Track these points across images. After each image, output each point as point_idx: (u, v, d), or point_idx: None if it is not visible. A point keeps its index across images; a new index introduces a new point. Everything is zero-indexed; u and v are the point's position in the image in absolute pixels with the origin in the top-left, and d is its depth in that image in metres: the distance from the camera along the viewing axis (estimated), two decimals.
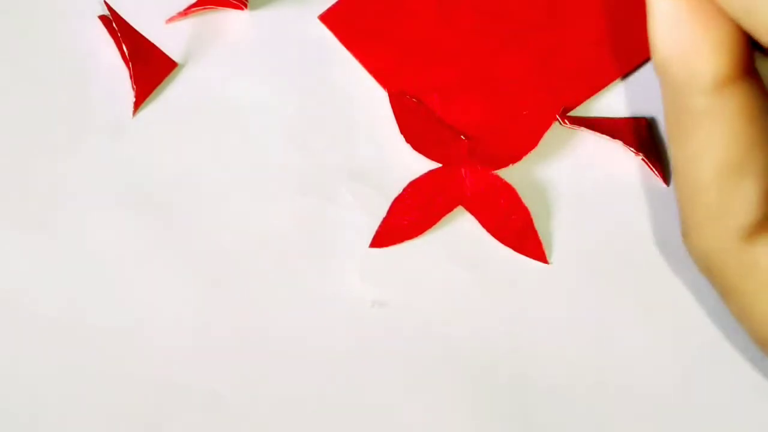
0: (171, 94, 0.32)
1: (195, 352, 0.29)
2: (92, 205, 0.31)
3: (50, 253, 0.30)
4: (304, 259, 0.30)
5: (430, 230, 0.31)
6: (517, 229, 0.30)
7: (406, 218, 0.31)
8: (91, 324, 0.29)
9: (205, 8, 0.33)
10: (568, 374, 0.29)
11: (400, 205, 0.31)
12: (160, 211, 0.31)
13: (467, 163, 0.31)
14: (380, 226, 0.31)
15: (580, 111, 0.32)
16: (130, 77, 0.32)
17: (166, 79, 0.33)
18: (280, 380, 0.29)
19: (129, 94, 0.32)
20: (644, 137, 0.32)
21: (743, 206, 0.24)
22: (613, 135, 0.31)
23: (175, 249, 0.30)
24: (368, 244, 0.30)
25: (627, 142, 0.31)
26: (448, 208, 0.31)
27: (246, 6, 0.33)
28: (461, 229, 0.31)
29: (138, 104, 0.32)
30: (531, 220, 0.31)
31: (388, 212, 0.31)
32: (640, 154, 0.31)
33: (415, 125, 0.31)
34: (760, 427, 0.28)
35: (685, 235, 0.26)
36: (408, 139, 0.31)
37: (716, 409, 0.28)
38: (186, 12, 0.33)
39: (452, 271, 0.30)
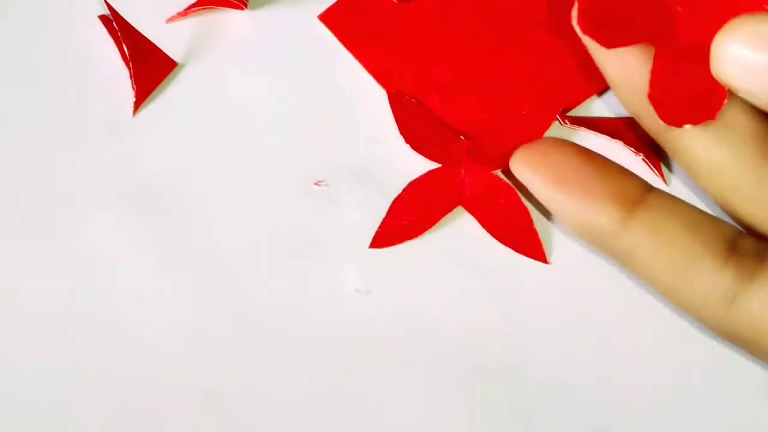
0: (171, 94, 0.32)
1: (195, 351, 0.29)
2: (92, 205, 0.31)
3: (50, 251, 0.30)
4: (304, 259, 0.30)
5: (430, 230, 0.31)
6: (517, 229, 0.30)
7: (406, 218, 0.31)
8: (91, 323, 0.29)
9: (205, 8, 0.33)
10: (568, 373, 0.29)
11: (399, 205, 0.31)
12: (160, 210, 0.31)
13: (467, 163, 0.31)
14: (380, 227, 0.31)
15: (580, 111, 0.32)
16: (131, 77, 0.32)
17: (167, 79, 0.33)
18: (280, 379, 0.29)
19: (129, 94, 0.32)
20: (644, 136, 0.32)
21: (711, 284, 0.25)
22: (613, 135, 0.31)
23: (175, 248, 0.30)
24: (368, 244, 0.30)
25: (627, 142, 0.31)
26: (447, 208, 0.31)
27: (246, 6, 0.33)
28: (461, 229, 0.31)
29: (138, 104, 0.32)
30: (531, 220, 0.31)
31: (388, 213, 0.31)
32: (641, 153, 0.31)
33: (415, 125, 0.31)
34: (760, 427, 0.28)
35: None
36: (407, 140, 0.31)
37: (716, 408, 0.28)
38: (186, 12, 0.33)
39: (452, 271, 0.30)
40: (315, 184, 0.31)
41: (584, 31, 0.26)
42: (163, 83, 0.32)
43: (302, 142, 0.32)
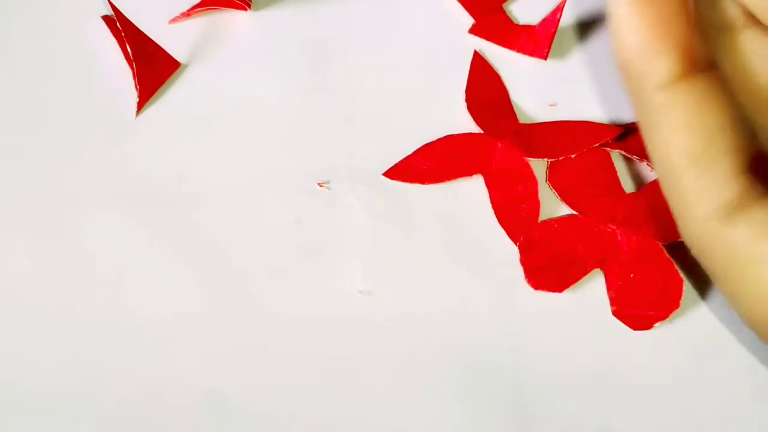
0: (174, 94, 0.32)
1: (197, 351, 0.29)
2: (95, 205, 0.31)
3: (52, 251, 0.30)
4: (305, 259, 0.30)
5: (430, 231, 0.30)
6: (522, 217, 0.30)
7: (428, 163, 0.31)
8: (92, 323, 0.29)
9: (208, 9, 0.33)
10: (569, 373, 0.29)
11: (428, 149, 0.31)
12: (162, 210, 0.31)
13: (507, 142, 0.31)
14: (401, 162, 0.31)
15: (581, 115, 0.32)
16: (134, 77, 0.32)
17: (170, 79, 0.33)
18: (282, 380, 0.29)
19: (132, 94, 0.32)
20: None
21: (715, 188, 0.25)
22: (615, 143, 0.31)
23: (177, 248, 0.30)
24: (369, 244, 0.30)
25: (628, 150, 0.31)
26: (468, 172, 0.31)
27: (249, 7, 0.33)
28: (461, 229, 0.31)
29: (141, 104, 0.32)
30: (537, 215, 0.30)
31: (415, 152, 0.31)
32: (644, 160, 0.31)
33: (482, 92, 0.32)
34: (760, 427, 0.28)
35: (676, 222, 0.27)
36: (468, 100, 0.32)
37: (716, 406, 0.28)
38: (189, 12, 0.33)
39: (452, 271, 0.30)
40: (318, 184, 0.31)
41: (536, 288, 0.29)
42: (166, 83, 0.33)
43: (305, 142, 0.32)
